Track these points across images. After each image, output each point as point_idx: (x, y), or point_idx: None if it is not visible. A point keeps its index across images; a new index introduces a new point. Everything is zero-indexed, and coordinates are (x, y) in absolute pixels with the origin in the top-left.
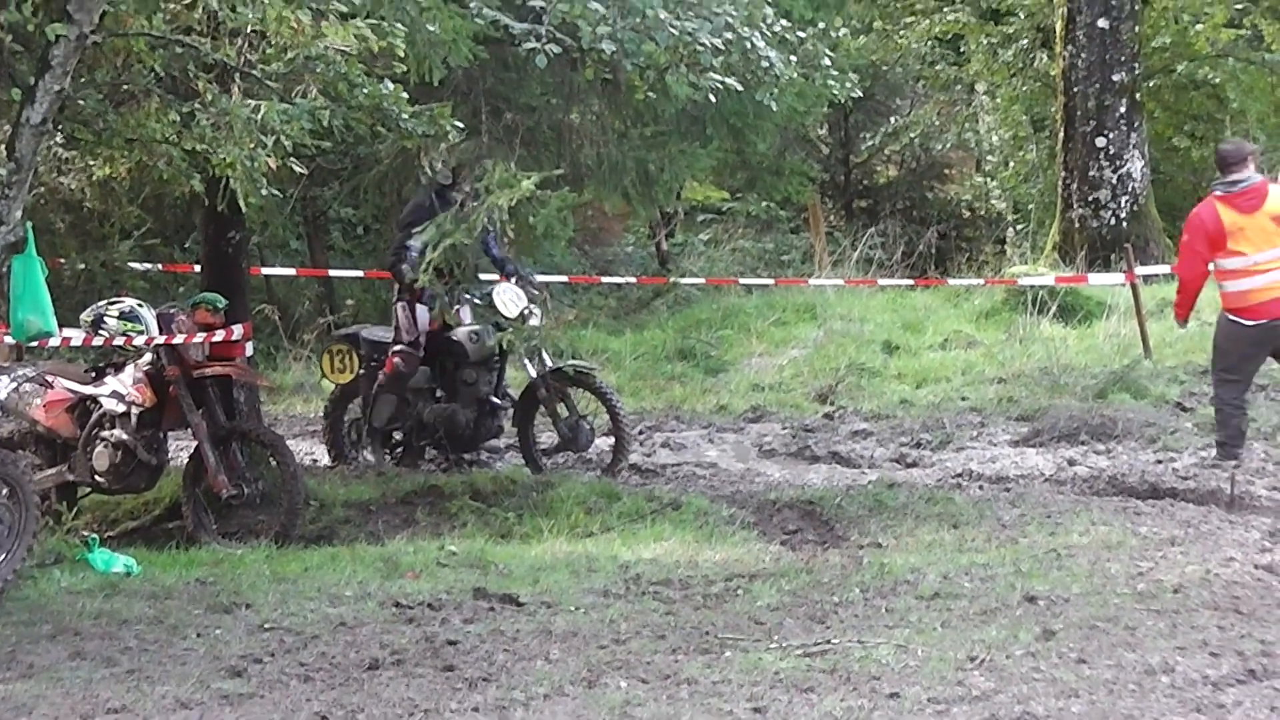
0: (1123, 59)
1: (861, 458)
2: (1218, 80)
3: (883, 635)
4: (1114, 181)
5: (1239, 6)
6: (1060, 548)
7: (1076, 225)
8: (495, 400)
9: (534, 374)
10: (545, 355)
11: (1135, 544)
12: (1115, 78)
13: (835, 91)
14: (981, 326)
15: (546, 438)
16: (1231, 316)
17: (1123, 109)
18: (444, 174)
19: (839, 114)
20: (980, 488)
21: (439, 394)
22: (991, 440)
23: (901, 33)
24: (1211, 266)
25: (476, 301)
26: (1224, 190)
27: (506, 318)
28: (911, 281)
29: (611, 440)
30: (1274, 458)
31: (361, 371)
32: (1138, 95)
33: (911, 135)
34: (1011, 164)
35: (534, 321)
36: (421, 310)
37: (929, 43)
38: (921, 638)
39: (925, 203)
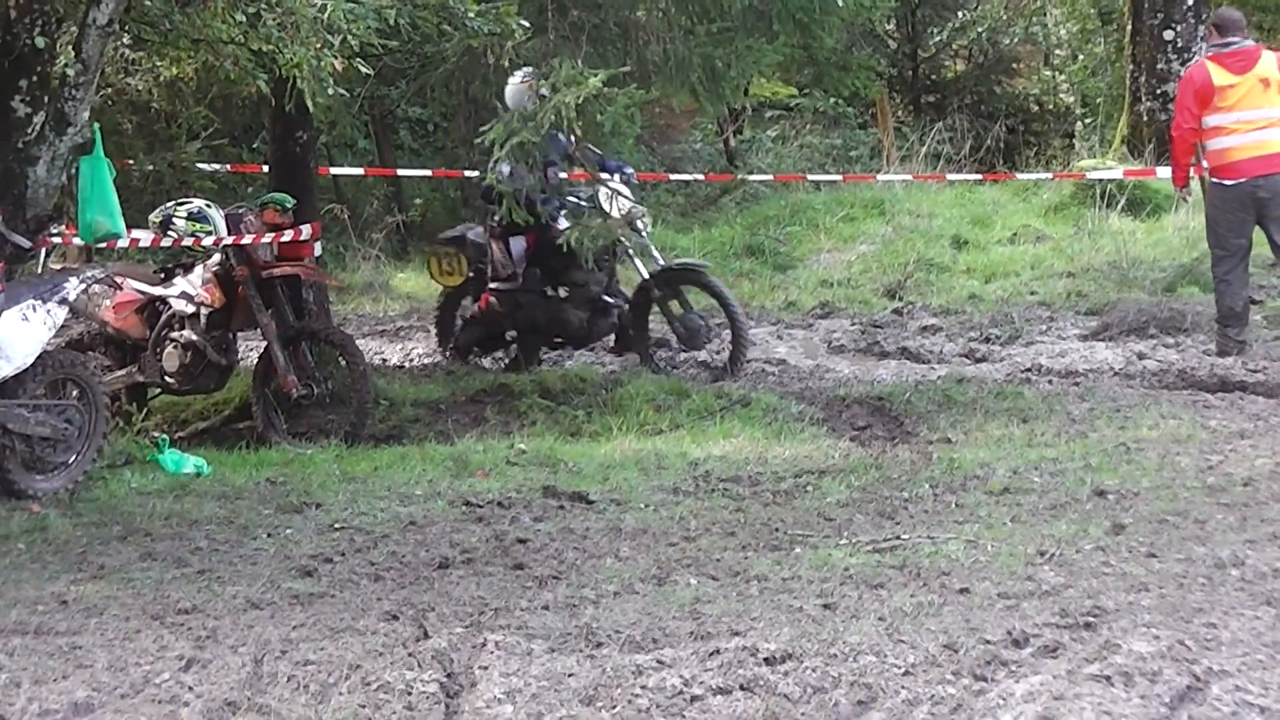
0: None
1: (930, 353)
2: None
3: (952, 531)
4: (1181, 74)
5: None
6: (1129, 442)
7: (1145, 119)
8: (607, 299)
9: (645, 273)
10: (655, 253)
11: (1204, 437)
12: None
13: None
14: (1050, 221)
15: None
16: (1214, 179)
17: (1190, 1)
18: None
19: (906, 8)
20: (1049, 382)
21: (550, 293)
22: (1060, 335)
23: None
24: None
25: (581, 202)
26: (1216, 51)
27: (613, 217)
28: (980, 176)
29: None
30: None
31: (471, 274)
32: None
33: (979, 29)
34: (1079, 58)
35: (641, 220)
36: (516, 242)
37: None
38: (991, 533)
39: (993, 97)
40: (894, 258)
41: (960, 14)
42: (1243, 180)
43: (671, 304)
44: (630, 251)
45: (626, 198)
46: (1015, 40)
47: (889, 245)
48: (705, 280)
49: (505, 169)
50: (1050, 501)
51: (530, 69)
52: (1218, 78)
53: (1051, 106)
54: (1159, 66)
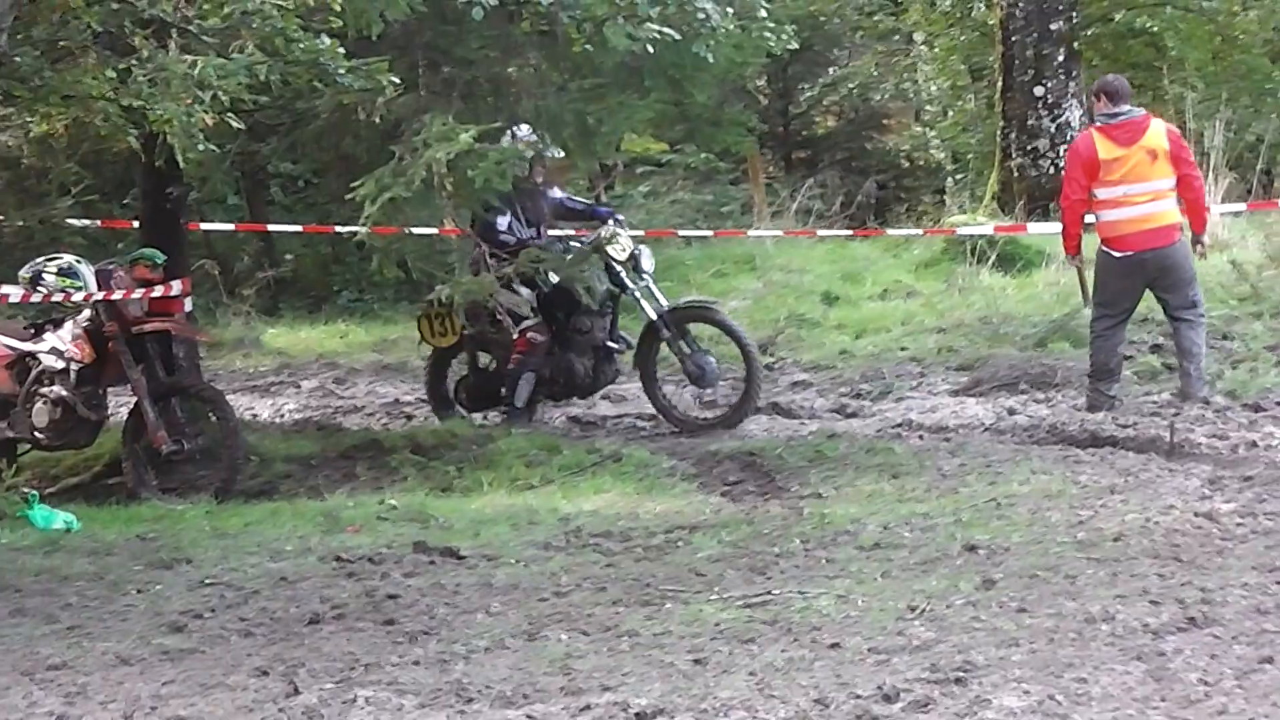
0: (1061, 7)
1: (802, 408)
2: (1156, 28)
3: (823, 586)
4: (1052, 130)
5: None
6: (1000, 497)
7: (1015, 174)
8: (611, 345)
9: (652, 314)
10: (659, 294)
11: (1075, 492)
12: (1053, 26)
13: (773, 43)
14: (921, 276)
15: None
16: (1104, 248)
17: (1061, 58)
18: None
19: (778, 65)
20: (920, 438)
21: (551, 346)
22: (931, 390)
23: None
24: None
25: (584, 246)
26: (1104, 122)
27: (619, 260)
28: (850, 232)
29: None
30: (1214, 405)
31: (467, 332)
32: (1076, 44)
33: (850, 86)
34: (950, 114)
35: (646, 261)
36: (523, 290)
37: None
38: (862, 588)
39: (864, 153)
40: (765, 313)
41: (832, 70)
42: (1131, 254)
43: (680, 344)
44: (636, 294)
45: (627, 240)
46: (886, 96)
47: (760, 301)
48: (716, 317)
49: (503, 221)
50: (921, 557)
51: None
52: (1104, 150)
53: (922, 162)
54: (1030, 122)
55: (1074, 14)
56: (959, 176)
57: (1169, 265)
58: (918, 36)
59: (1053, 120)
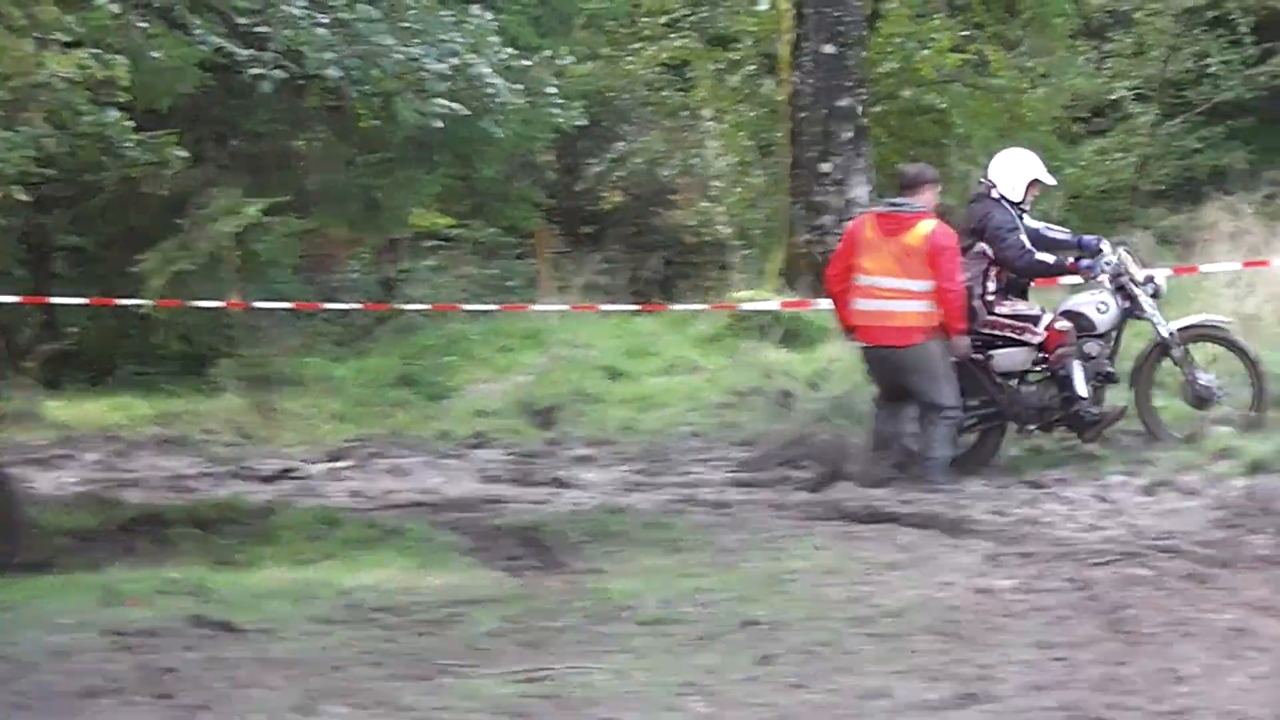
0: (849, 85)
1: (584, 483)
2: (944, 105)
3: (601, 661)
4: (840, 206)
5: (964, 33)
6: (781, 572)
7: (802, 251)
8: (1110, 370)
9: (1165, 334)
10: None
11: (855, 568)
12: (841, 103)
13: (561, 118)
14: (706, 352)
15: None
16: (847, 333)
17: (848, 135)
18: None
19: (566, 140)
20: (702, 513)
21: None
22: (714, 465)
23: (629, 59)
24: None
25: (1107, 268)
26: (883, 208)
27: (1138, 281)
28: (636, 307)
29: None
30: (995, 481)
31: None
32: (864, 121)
33: (638, 161)
34: (738, 190)
35: (1160, 279)
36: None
37: (655, 69)
38: (640, 664)
39: (651, 229)
40: (549, 388)
41: (620, 146)
42: (868, 346)
43: (1187, 365)
44: (1151, 314)
45: (1138, 259)
46: (674, 172)
47: (545, 375)
48: (1227, 336)
49: (1023, 240)
50: (700, 632)
51: None
52: (868, 235)
53: (709, 238)
54: (816, 199)
55: (862, 91)
56: (745, 252)
57: (903, 366)
58: (706, 112)
59: (840, 196)
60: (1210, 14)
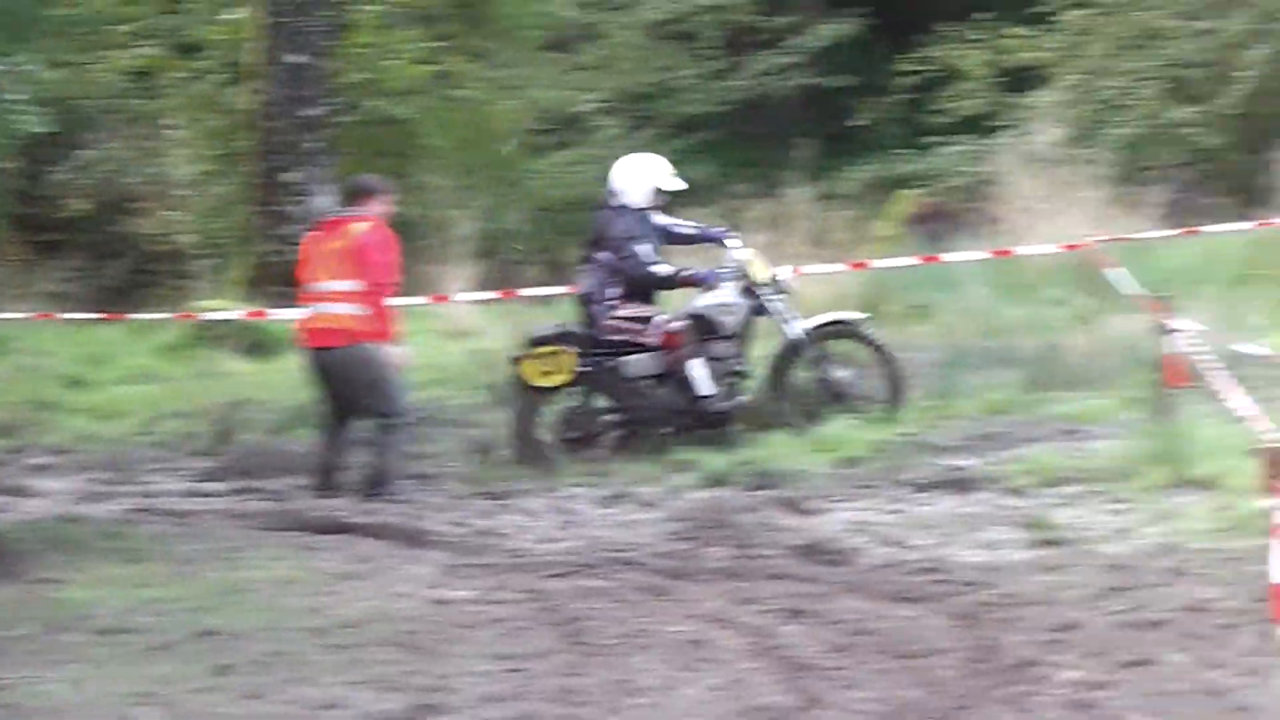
0: (314, 95)
1: (43, 492)
2: (411, 116)
3: (57, 670)
4: (303, 216)
5: (434, 44)
6: (239, 583)
7: (266, 260)
8: (740, 369)
9: (796, 334)
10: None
11: (312, 578)
12: (306, 113)
13: (24, 125)
14: (168, 361)
15: None
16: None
17: (312, 145)
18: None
19: (30, 147)
20: (162, 522)
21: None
22: (173, 475)
23: (96, 66)
24: None
25: (726, 275)
26: (330, 217)
27: (762, 282)
28: (96, 315)
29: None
30: (455, 493)
31: (585, 369)
32: (330, 131)
33: (103, 169)
34: (202, 198)
35: (790, 279)
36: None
37: (123, 76)
38: (97, 673)
39: (115, 237)
40: (8, 396)
41: (85, 153)
42: (308, 350)
43: (823, 363)
44: (780, 313)
45: (765, 260)
46: (139, 180)
47: (3, 385)
48: (862, 332)
49: (648, 250)
50: (156, 642)
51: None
52: (312, 245)
53: (174, 246)
54: (280, 209)
55: (328, 101)
56: (210, 261)
57: (340, 370)
58: (173, 120)
59: (303, 207)
60: (678, 27)
